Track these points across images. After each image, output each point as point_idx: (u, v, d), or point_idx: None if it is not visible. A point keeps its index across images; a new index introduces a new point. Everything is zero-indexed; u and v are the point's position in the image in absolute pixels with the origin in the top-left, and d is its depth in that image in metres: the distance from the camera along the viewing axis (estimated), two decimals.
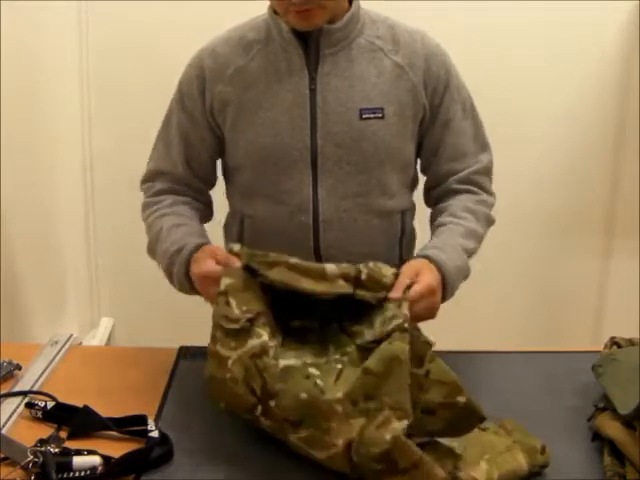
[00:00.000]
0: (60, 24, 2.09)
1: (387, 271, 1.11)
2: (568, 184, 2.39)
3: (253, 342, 1.03)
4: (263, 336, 1.04)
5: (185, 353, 1.34)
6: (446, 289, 1.20)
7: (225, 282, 1.08)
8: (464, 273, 1.26)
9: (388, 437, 0.93)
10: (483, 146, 1.39)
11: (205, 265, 1.16)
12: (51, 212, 2.06)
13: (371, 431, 0.95)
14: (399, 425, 0.94)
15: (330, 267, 1.09)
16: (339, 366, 1.05)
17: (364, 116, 1.27)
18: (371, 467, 0.95)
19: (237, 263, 1.11)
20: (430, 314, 1.16)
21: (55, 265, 2.12)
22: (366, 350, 1.04)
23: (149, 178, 1.41)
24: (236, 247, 1.14)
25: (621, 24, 2.25)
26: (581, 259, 2.46)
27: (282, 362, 1.03)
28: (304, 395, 0.99)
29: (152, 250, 1.32)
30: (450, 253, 1.24)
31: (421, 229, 1.45)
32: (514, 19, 2.21)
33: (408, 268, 1.16)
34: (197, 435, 1.06)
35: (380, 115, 1.28)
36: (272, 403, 1.00)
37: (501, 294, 2.40)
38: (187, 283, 1.22)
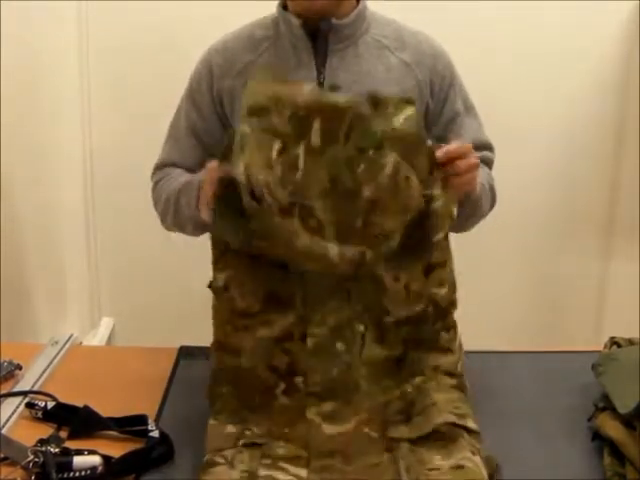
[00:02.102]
0: (60, 24, 2.09)
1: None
2: (568, 184, 2.38)
3: (273, 329, 1.02)
4: (281, 320, 1.02)
5: (185, 353, 1.33)
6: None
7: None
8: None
9: None
10: (485, 144, 1.39)
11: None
12: (51, 212, 2.06)
13: None
14: None
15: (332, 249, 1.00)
16: (361, 330, 1.03)
17: None
18: None
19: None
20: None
21: (55, 265, 2.11)
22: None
23: (160, 169, 1.39)
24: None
25: (621, 24, 2.25)
26: (581, 259, 2.46)
27: (310, 341, 1.01)
28: (334, 372, 0.99)
29: (166, 210, 1.29)
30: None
31: None
32: (514, 19, 2.21)
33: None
34: (197, 435, 1.06)
35: None
36: (298, 379, 0.99)
37: (501, 294, 2.40)
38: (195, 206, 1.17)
